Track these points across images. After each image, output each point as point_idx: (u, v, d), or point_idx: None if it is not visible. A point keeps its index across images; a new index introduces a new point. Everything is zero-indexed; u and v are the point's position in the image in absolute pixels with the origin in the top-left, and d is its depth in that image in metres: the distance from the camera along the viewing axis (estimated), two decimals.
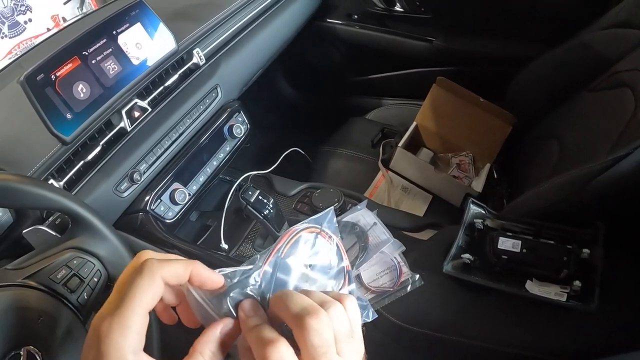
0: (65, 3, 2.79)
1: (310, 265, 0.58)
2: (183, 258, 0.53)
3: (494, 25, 1.91)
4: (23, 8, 2.23)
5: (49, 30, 2.36)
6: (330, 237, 0.62)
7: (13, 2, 2.18)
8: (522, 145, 1.68)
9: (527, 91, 1.74)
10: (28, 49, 1.59)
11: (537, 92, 1.70)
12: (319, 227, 0.61)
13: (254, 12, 1.69)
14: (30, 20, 2.30)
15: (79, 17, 1.79)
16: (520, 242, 1.10)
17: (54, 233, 0.98)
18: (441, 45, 2.00)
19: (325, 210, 0.63)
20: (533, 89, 1.72)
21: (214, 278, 0.52)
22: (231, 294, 0.51)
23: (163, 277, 0.49)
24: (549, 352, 1.01)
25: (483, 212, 1.21)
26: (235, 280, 0.53)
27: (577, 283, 1.02)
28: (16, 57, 1.50)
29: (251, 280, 0.53)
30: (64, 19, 2.43)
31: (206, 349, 0.49)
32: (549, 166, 1.40)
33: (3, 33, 2.20)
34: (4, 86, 1.34)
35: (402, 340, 1.14)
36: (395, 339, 1.14)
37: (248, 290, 0.52)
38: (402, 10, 2.03)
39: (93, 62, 1.16)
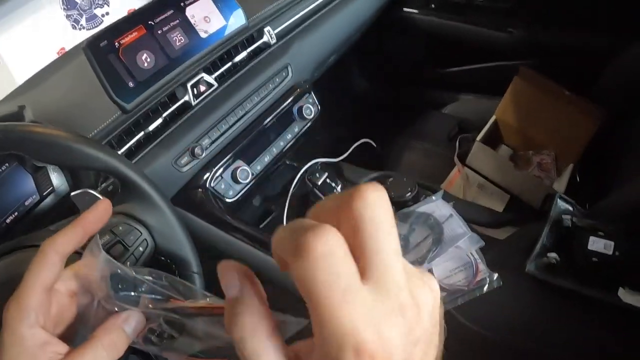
0: None
1: None
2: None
3: (578, 14, 1.78)
4: (101, 2, 2.29)
5: None
6: None
7: None
8: (609, 145, 1.57)
9: (618, 85, 1.62)
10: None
11: (629, 87, 1.57)
12: None
13: None
14: (107, 13, 2.37)
15: None
16: (612, 243, 1.01)
17: (102, 198, 0.96)
18: (522, 36, 1.91)
19: None
20: (624, 83, 1.60)
21: (102, 215, 0.57)
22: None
23: (57, 251, 0.51)
24: None
25: (571, 208, 1.12)
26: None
27: None
28: None
29: None
30: None
31: (106, 337, 0.50)
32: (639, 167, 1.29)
33: (81, 25, 2.27)
34: (72, 61, 1.37)
35: (473, 346, 1.06)
36: (466, 345, 1.06)
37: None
38: None
39: (159, 32, 1.15)
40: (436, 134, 1.90)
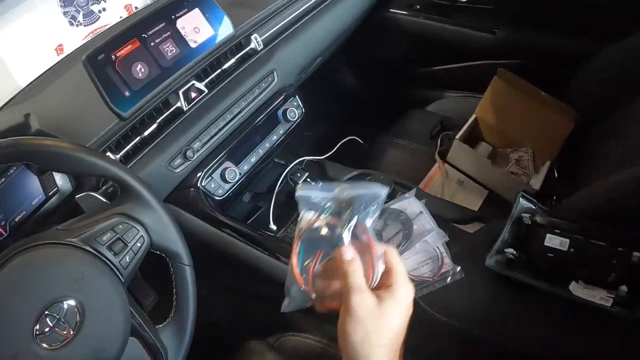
0: None
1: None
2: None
3: (558, 19, 1.84)
4: None
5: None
6: None
7: None
8: (583, 144, 1.61)
9: (590, 87, 1.66)
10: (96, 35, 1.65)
11: (600, 89, 1.62)
12: None
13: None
14: (104, 9, 2.37)
15: (147, 5, 1.84)
16: (568, 240, 1.06)
17: (104, 200, 1.03)
18: (504, 37, 1.96)
19: None
20: (596, 85, 1.64)
21: None
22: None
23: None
24: (589, 358, 0.99)
25: (533, 207, 1.18)
26: None
27: (624, 288, 0.97)
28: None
29: None
30: (137, 9, 2.50)
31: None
32: (609, 167, 1.34)
33: (78, 21, 2.27)
34: (71, 67, 1.39)
35: (435, 331, 1.13)
36: (428, 330, 1.12)
37: None
38: (464, 0, 2.01)
39: (152, 44, 1.20)
40: (419, 132, 1.92)
